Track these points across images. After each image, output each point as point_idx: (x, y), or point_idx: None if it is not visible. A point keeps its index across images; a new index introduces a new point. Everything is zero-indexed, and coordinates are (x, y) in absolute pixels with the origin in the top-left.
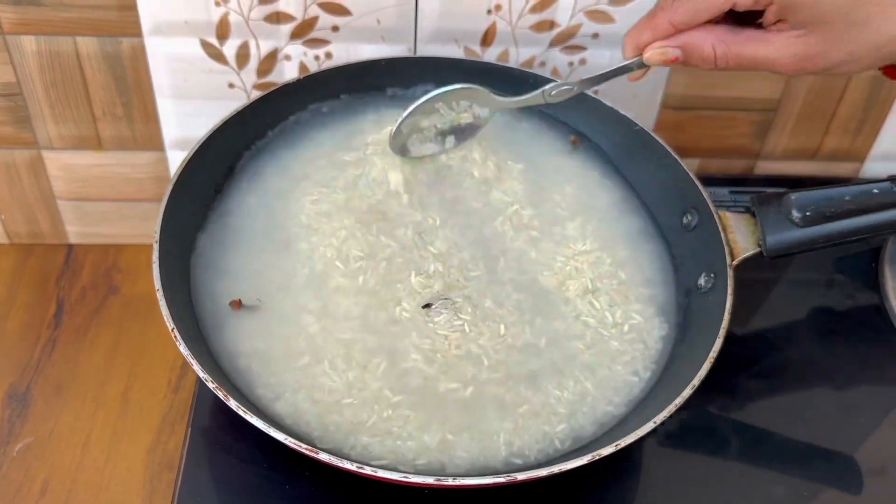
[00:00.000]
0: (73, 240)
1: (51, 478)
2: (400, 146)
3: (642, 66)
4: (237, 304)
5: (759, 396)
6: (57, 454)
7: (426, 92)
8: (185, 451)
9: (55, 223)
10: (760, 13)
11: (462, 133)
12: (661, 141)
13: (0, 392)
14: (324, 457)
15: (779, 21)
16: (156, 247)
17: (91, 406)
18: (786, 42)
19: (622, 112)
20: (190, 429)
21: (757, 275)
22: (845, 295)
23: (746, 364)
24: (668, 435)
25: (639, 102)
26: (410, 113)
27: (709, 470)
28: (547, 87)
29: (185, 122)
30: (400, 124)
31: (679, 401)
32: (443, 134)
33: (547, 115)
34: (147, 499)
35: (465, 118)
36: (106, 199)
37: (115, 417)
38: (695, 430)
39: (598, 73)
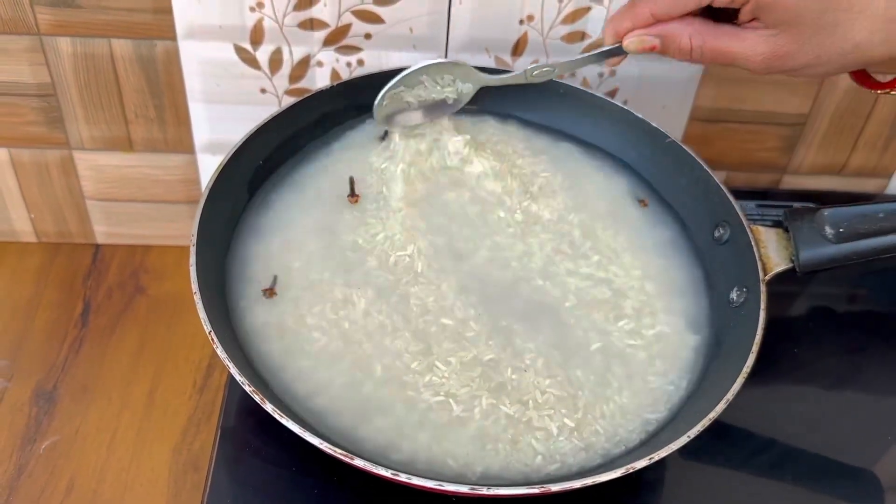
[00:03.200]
0: (100, 240)
1: (76, 476)
2: (384, 117)
3: (621, 52)
4: (271, 293)
5: (782, 411)
6: (83, 453)
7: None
8: (215, 453)
9: (83, 223)
10: (737, 11)
11: (445, 107)
12: (693, 154)
13: (27, 390)
14: (359, 463)
15: (753, 20)
16: (193, 250)
17: (117, 406)
18: (757, 40)
19: (653, 123)
20: (219, 430)
21: (782, 288)
22: (870, 309)
23: (770, 378)
24: (691, 447)
25: (667, 114)
26: (395, 84)
27: (731, 483)
28: (529, 67)
29: (215, 126)
30: (384, 95)
31: (713, 415)
32: (425, 107)
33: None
34: (172, 499)
35: (449, 92)
36: (135, 200)
37: (141, 417)
38: (718, 443)
39: (577, 57)
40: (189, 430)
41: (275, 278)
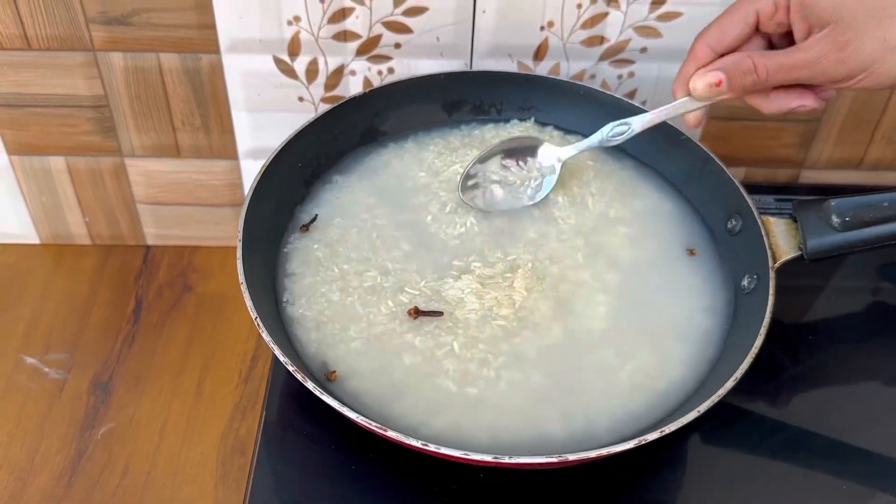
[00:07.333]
0: (150, 241)
1: (131, 460)
2: (469, 197)
3: (693, 105)
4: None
5: (804, 398)
6: (136, 439)
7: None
8: (260, 433)
9: (134, 225)
10: (792, 38)
11: (530, 193)
12: (706, 150)
13: (86, 381)
14: (392, 434)
15: (809, 36)
16: (239, 245)
17: (168, 395)
18: (816, 43)
19: (668, 122)
20: (264, 412)
21: (803, 281)
22: (890, 301)
23: (791, 367)
24: (712, 433)
25: None
26: (471, 164)
27: (752, 468)
28: (604, 129)
29: (257, 133)
30: (462, 177)
31: (722, 391)
32: (507, 188)
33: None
34: (220, 481)
35: (535, 176)
36: (182, 204)
37: (190, 406)
38: (739, 428)
39: (654, 113)
40: (235, 416)
41: (329, 370)
